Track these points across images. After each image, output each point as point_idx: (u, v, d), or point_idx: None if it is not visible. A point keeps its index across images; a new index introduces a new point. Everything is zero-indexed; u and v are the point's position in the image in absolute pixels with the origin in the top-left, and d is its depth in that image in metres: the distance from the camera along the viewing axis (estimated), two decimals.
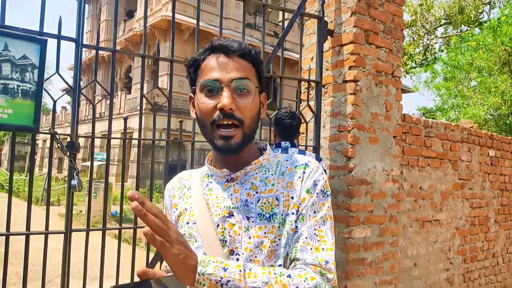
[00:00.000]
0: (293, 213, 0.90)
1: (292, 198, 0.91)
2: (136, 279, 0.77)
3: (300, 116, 2.77)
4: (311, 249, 0.87)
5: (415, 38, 16.19)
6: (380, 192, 2.90)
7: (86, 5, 26.70)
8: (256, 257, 0.87)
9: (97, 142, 15.94)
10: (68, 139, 2.06)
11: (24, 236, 1.97)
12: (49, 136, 1.99)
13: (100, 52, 2.22)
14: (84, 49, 2.18)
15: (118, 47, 2.22)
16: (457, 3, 15.02)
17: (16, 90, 1.94)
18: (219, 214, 0.92)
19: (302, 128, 2.85)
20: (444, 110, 10.07)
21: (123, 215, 2.28)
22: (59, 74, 2.06)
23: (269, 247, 0.88)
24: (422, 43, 16.40)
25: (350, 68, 2.82)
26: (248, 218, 0.90)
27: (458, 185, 3.96)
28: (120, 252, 2.19)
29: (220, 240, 0.90)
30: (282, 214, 0.90)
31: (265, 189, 0.92)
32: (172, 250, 0.72)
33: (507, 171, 4.74)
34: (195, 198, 0.96)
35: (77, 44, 2.08)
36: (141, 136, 2.29)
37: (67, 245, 2.02)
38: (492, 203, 4.47)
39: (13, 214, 1.97)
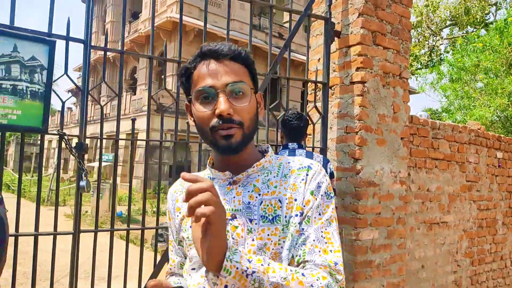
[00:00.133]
0: (296, 215, 0.90)
1: (296, 200, 0.91)
2: (144, 280, 0.78)
3: (308, 118, 2.76)
4: (319, 251, 0.87)
5: (420, 39, 16.12)
6: (387, 194, 2.88)
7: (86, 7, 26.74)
8: None
9: (104, 142, 15.98)
10: (75, 140, 2.07)
11: (33, 237, 1.98)
12: (54, 136, 2.00)
13: (107, 53, 2.22)
14: None
15: (116, 49, 2.23)
16: (463, 4, 14.94)
17: (25, 91, 1.95)
18: None
19: (309, 129, 2.84)
20: (450, 112, 10.02)
21: (127, 215, 2.27)
22: (67, 75, 2.07)
23: (273, 249, 0.87)
24: (428, 44, 16.33)
25: (357, 69, 2.81)
26: (251, 221, 0.90)
27: (465, 187, 3.93)
28: (128, 252, 2.19)
29: None
30: (285, 216, 0.90)
31: (268, 191, 0.92)
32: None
33: None
34: None
35: (86, 46, 2.08)
36: (146, 138, 2.29)
37: (75, 246, 2.03)
38: (500, 205, 4.44)
39: (16, 214, 1.97)
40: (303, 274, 0.81)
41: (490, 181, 4.30)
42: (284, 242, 0.88)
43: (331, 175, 2.54)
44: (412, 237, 3.32)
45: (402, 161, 3.00)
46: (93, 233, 2.13)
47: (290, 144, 2.56)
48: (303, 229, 0.89)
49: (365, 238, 2.74)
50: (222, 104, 0.86)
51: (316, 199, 0.91)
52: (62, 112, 2.12)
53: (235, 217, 0.91)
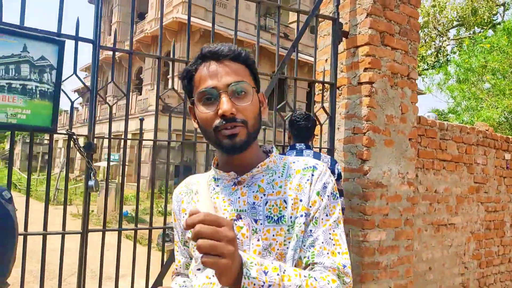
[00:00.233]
0: (302, 216, 0.89)
1: (301, 200, 0.91)
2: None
3: (315, 118, 2.75)
4: (328, 253, 0.87)
5: (427, 40, 16.03)
6: (395, 195, 2.87)
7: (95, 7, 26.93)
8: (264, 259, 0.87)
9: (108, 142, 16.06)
10: (80, 139, 2.07)
11: (38, 235, 1.99)
12: (60, 136, 2.00)
13: (111, 53, 2.22)
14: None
15: (125, 49, 2.24)
16: (470, 4, 14.84)
17: (34, 90, 1.96)
18: (226, 217, 0.91)
19: (317, 130, 2.84)
20: (457, 113, 9.95)
21: (133, 215, 2.28)
22: (76, 75, 2.08)
23: (278, 249, 0.87)
24: (434, 45, 16.24)
25: (365, 70, 2.80)
26: (256, 221, 0.89)
27: (473, 188, 3.90)
28: (136, 252, 2.20)
29: None
30: (291, 217, 0.89)
31: (273, 192, 0.92)
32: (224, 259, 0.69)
33: None
34: (203, 202, 0.96)
35: (95, 46, 2.09)
36: (153, 137, 2.29)
37: (83, 245, 2.03)
38: (508, 207, 4.40)
39: (24, 213, 1.98)
40: (315, 279, 0.82)
41: (498, 183, 4.26)
42: (289, 242, 0.88)
43: (339, 176, 2.52)
44: (419, 239, 3.30)
45: (410, 162, 2.98)
46: (98, 233, 2.14)
47: (297, 144, 2.55)
48: (311, 230, 0.89)
49: (373, 239, 2.73)
50: (225, 104, 0.86)
51: (322, 200, 0.91)
52: (71, 112, 2.13)
53: (240, 218, 0.91)
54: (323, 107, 2.81)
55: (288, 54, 2.70)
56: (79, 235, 2.06)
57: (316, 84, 3.02)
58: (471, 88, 9.29)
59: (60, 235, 2.03)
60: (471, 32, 15.53)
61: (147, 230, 2.26)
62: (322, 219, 0.90)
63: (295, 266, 0.88)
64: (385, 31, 2.85)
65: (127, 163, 17.98)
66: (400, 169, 2.90)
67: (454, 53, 15.87)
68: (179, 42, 18.46)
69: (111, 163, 14.29)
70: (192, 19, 17.57)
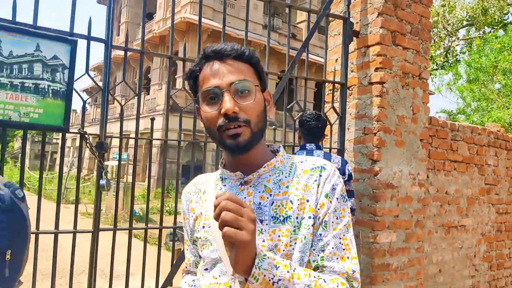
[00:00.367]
0: (309, 217, 0.88)
1: (308, 201, 0.90)
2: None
3: (325, 118, 2.74)
4: (337, 258, 0.87)
5: (436, 40, 15.90)
6: (406, 196, 2.84)
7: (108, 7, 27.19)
8: None
9: (116, 142, 16.17)
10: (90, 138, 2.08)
11: (49, 234, 2.00)
12: (68, 135, 2.01)
13: (120, 53, 2.23)
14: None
15: (137, 49, 2.25)
16: (480, 4, 14.68)
17: (46, 90, 1.97)
18: None
19: (326, 130, 2.82)
20: (467, 114, 9.85)
21: (141, 214, 2.28)
22: (88, 75, 2.09)
23: (283, 250, 0.87)
24: (443, 45, 16.10)
25: (376, 69, 2.78)
26: (261, 221, 0.89)
27: (484, 190, 3.86)
28: (146, 251, 2.20)
29: None
30: (297, 218, 0.89)
31: (279, 192, 0.91)
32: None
33: None
34: (210, 202, 0.96)
35: (107, 45, 2.10)
36: (162, 137, 2.30)
37: (94, 244, 2.04)
38: None
39: (36, 212, 1.99)
40: (324, 280, 0.82)
41: (510, 184, 4.21)
42: (295, 243, 0.87)
43: (349, 177, 2.51)
44: (429, 241, 3.27)
45: (421, 163, 2.96)
46: (108, 232, 2.15)
47: (307, 144, 2.54)
48: (320, 234, 0.88)
49: (383, 241, 2.71)
50: (227, 103, 0.86)
51: (331, 202, 0.90)
52: (83, 111, 2.14)
53: None
54: (333, 107, 2.80)
55: (298, 54, 2.69)
56: (88, 233, 2.07)
57: (326, 84, 3.01)
58: (481, 89, 9.19)
59: (71, 234, 2.04)
60: (481, 32, 15.36)
61: (154, 230, 2.26)
62: (332, 222, 0.89)
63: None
64: (396, 31, 2.83)
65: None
66: (411, 170, 2.88)
67: (464, 53, 15.71)
68: (188, 42, 18.52)
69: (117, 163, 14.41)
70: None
